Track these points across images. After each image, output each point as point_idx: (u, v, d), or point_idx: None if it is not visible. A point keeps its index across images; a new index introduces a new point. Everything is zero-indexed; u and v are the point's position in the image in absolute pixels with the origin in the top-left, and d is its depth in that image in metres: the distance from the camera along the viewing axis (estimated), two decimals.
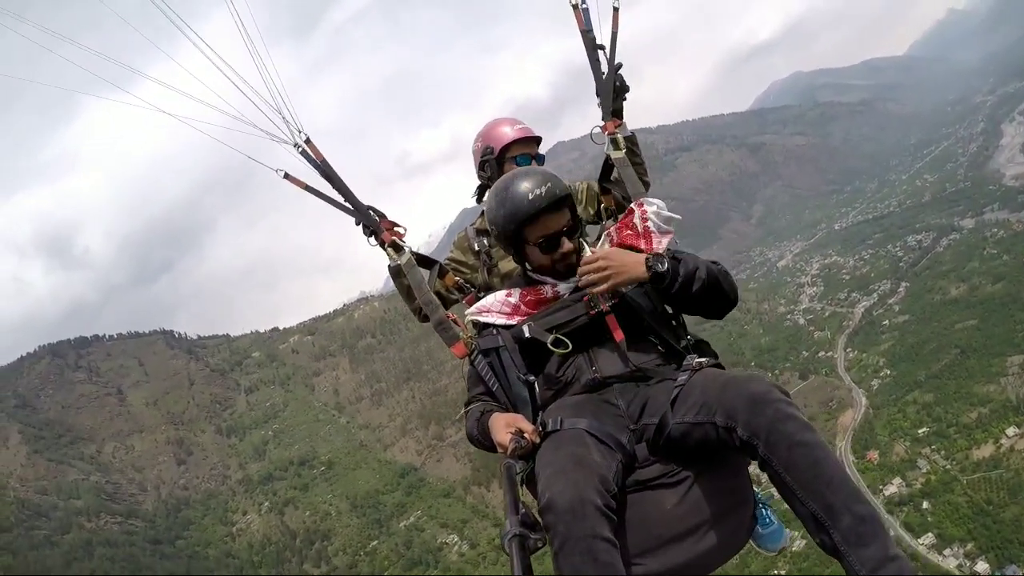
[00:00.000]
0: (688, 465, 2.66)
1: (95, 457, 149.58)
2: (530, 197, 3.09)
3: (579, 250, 3.24)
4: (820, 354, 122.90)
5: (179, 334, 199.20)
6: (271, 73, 3.22)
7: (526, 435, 2.70)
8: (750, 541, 2.95)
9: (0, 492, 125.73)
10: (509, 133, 4.22)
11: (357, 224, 3.73)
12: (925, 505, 74.28)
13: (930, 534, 70.38)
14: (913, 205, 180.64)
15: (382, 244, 3.71)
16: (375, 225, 3.70)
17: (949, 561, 66.52)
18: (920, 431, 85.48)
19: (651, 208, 3.26)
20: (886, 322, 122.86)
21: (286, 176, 3.61)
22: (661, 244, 3.22)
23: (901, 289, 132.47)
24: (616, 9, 3.97)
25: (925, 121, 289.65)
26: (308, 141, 3.59)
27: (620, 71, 3.99)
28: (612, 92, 3.91)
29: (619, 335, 3.03)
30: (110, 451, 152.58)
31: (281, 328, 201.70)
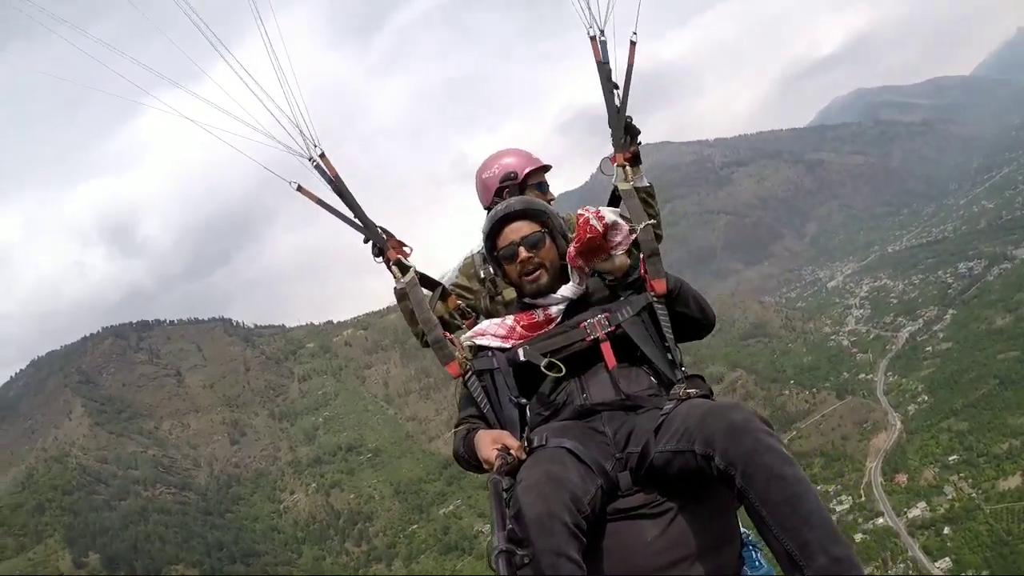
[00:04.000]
0: (672, 497, 2.61)
1: (153, 432, 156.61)
2: (490, 213, 3.36)
3: (548, 266, 3.30)
4: (860, 376, 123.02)
5: (237, 322, 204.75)
6: (292, 87, 3.32)
7: (512, 451, 2.74)
8: None
9: (64, 459, 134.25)
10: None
11: (366, 242, 3.66)
12: (946, 530, 74.84)
13: (948, 559, 70.94)
14: (968, 231, 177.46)
15: (388, 262, 3.65)
16: (382, 243, 3.63)
17: None
18: (951, 458, 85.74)
19: (597, 211, 3.19)
20: (929, 348, 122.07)
21: (299, 189, 3.60)
22: (627, 235, 3.22)
23: (947, 316, 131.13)
24: (633, 43, 3.84)
25: (987, 144, 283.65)
26: (323, 156, 3.57)
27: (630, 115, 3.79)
28: (624, 126, 3.69)
29: (611, 363, 3.03)
30: (167, 428, 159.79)
31: (336, 321, 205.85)
